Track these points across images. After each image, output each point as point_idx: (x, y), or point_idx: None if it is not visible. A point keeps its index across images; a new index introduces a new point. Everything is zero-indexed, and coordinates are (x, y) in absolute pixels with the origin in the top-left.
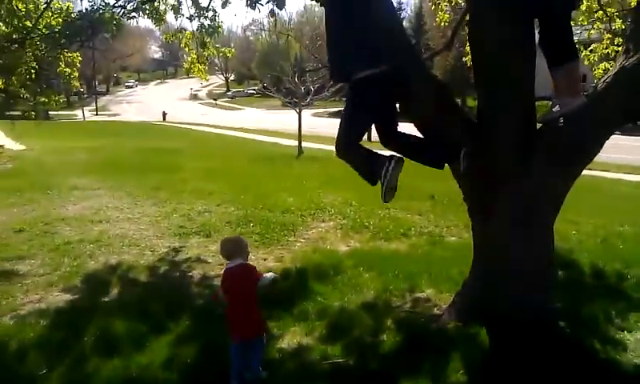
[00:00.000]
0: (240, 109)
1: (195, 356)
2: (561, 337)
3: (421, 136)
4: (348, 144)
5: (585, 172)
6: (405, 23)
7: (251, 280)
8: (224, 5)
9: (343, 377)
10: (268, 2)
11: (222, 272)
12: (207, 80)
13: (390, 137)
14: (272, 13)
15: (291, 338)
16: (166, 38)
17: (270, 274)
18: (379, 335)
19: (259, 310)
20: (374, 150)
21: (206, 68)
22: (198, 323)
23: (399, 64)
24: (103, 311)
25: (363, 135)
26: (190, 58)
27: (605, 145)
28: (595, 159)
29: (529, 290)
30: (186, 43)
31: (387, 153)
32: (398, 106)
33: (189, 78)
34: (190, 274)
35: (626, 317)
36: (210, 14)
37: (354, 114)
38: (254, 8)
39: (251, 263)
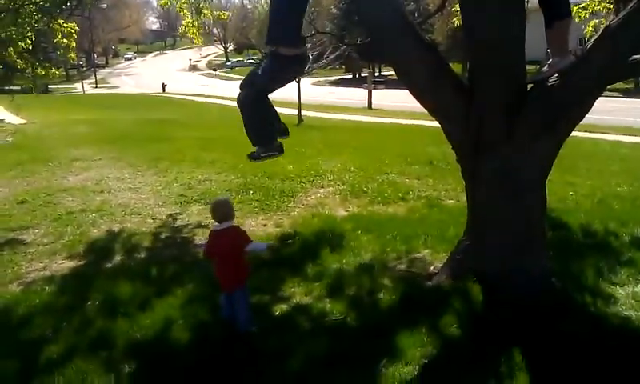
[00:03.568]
0: (240, 79)
1: (199, 317)
2: (551, 291)
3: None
4: (261, 96)
5: (585, 134)
6: None
7: (241, 243)
8: None
9: (342, 333)
10: None
11: (211, 232)
12: (201, 43)
13: None
14: None
15: (292, 299)
16: (161, 5)
17: (263, 243)
18: (376, 294)
19: (244, 268)
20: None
21: (201, 31)
22: (202, 286)
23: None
24: (107, 277)
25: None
26: (185, 21)
27: (607, 108)
28: (596, 122)
29: (519, 248)
30: (180, 7)
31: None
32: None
33: (188, 48)
34: (192, 240)
35: (617, 272)
36: None
37: (277, 77)
38: None
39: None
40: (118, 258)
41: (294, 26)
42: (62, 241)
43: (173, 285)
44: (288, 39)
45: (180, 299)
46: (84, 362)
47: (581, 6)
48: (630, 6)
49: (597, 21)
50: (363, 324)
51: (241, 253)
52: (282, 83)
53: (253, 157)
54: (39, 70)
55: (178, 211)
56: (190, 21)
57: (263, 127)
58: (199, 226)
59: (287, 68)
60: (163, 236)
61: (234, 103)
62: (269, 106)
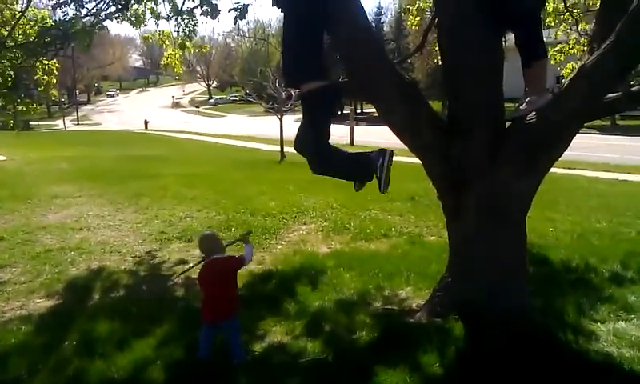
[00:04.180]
0: (222, 116)
1: (176, 356)
2: (534, 329)
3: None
4: (323, 152)
5: (564, 171)
6: (385, 27)
7: (230, 267)
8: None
9: (321, 372)
10: (230, 11)
11: (203, 265)
12: (183, 80)
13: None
14: (236, 20)
15: (272, 337)
16: (144, 39)
17: (248, 246)
18: (357, 331)
19: (232, 299)
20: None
21: (182, 65)
22: (180, 325)
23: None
24: (85, 316)
25: (329, 138)
26: (166, 53)
27: (584, 145)
28: (575, 158)
29: (502, 285)
30: (161, 40)
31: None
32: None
33: (171, 85)
34: (172, 277)
35: (598, 309)
36: (186, 14)
37: (315, 119)
38: (213, 18)
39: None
40: (96, 297)
41: (312, 57)
42: (40, 279)
43: (151, 324)
44: (308, 73)
45: (158, 339)
46: None
47: (556, 49)
48: (603, 47)
49: (573, 64)
50: (344, 362)
51: (228, 283)
52: (326, 122)
53: (381, 189)
54: (20, 107)
55: (158, 248)
56: (173, 53)
57: (353, 165)
58: (179, 263)
59: (321, 104)
60: (142, 274)
61: (216, 139)
62: (334, 150)
